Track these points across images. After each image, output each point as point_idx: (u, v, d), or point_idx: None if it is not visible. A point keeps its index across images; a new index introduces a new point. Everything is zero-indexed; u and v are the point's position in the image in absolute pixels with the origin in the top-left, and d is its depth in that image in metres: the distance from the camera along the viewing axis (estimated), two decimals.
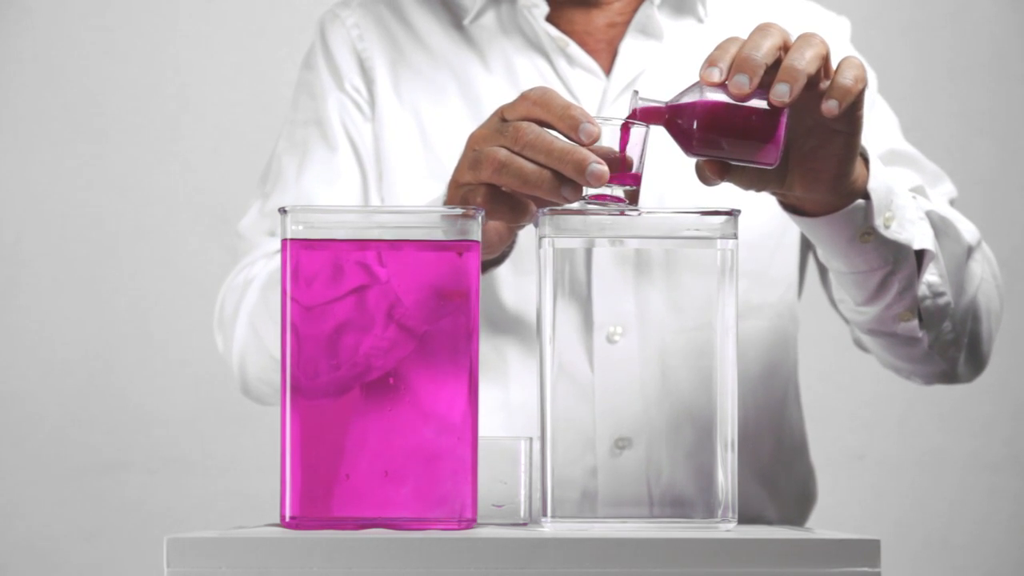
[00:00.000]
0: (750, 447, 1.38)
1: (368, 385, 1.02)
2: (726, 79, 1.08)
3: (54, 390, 2.45)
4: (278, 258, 1.39)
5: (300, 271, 1.03)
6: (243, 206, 1.52)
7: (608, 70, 1.43)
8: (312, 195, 1.43)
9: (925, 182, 1.46)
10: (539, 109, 1.09)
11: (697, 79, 1.10)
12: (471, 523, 1.01)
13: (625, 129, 1.07)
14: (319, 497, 1.01)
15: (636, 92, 1.11)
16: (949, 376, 1.42)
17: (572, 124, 1.07)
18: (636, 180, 1.08)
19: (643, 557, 0.95)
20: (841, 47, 1.50)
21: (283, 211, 1.03)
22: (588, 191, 1.07)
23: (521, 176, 1.08)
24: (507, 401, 1.38)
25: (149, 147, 2.47)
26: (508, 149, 1.08)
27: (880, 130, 1.48)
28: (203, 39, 2.49)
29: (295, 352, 1.02)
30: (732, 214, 1.05)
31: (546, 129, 1.08)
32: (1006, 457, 2.52)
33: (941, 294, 1.32)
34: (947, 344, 1.37)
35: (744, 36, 1.12)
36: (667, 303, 1.10)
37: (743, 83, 1.07)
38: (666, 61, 1.44)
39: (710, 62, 1.09)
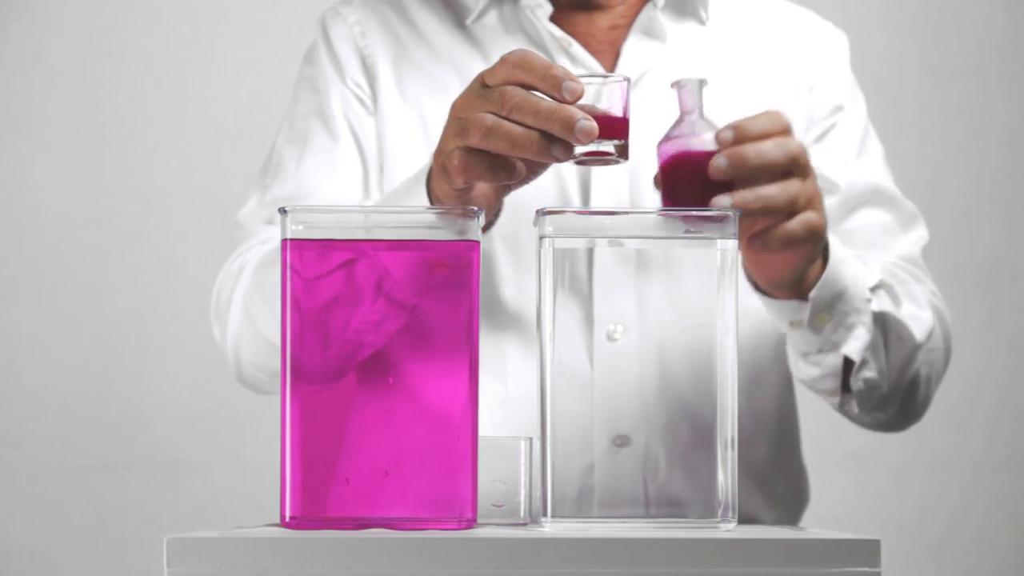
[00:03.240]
0: (744, 447, 1.39)
1: (368, 384, 1.02)
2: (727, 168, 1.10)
3: (54, 390, 2.45)
4: (272, 242, 1.39)
5: (301, 267, 1.03)
6: (243, 202, 1.52)
7: (611, 71, 1.44)
8: (312, 185, 1.43)
9: (899, 224, 1.48)
10: (521, 72, 1.09)
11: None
12: (471, 523, 1.01)
13: (608, 86, 1.08)
14: (319, 497, 1.01)
15: (704, 81, 1.13)
16: (874, 428, 1.46)
17: (555, 83, 1.08)
18: (624, 134, 1.09)
19: (643, 557, 0.95)
20: (838, 65, 1.51)
21: (283, 211, 1.03)
22: (578, 149, 1.08)
23: (510, 139, 1.08)
24: (506, 397, 1.38)
25: (149, 147, 2.47)
26: (494, 114, 1.09)
27: (868, 165, 1.49)
28: (204, 39, 2.49)
29: (296, 342, 1.02)
30: (732, 214, 1.05)
31: (530, 91, 1.09)
32: (1006, 457, 2.52)
33: (877, 387, 1.35)
34: (876, 410, 1.40)
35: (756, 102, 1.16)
36: (668, 302, 1.11)
37: (720, 166, 1.09)
38: (669, 62, 1.44)
39: (721, 154, 1.12)
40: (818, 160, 1.47)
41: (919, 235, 1.51)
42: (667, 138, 1.19)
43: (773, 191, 1.12)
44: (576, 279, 1.07)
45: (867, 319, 1.32)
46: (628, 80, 1.10)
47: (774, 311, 1.28)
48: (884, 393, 1.37)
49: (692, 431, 1.06)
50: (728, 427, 1.05)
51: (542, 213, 1.05)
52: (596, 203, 1.41)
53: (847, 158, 1.48)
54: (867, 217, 1.47)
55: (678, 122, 1.18)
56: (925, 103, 2.53)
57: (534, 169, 1.14)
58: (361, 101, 1.46)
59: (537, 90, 1.09)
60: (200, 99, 2.48)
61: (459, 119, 1.12)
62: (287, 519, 1.01)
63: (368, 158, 1.45)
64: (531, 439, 1.10)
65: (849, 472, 2.52)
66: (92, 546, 2.44)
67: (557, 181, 1.41)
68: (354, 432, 1.01)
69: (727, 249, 1.05)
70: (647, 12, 1.45)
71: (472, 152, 1.11)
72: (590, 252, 1.07)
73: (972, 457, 2.52)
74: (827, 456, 2.51)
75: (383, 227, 1.03)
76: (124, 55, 2.48)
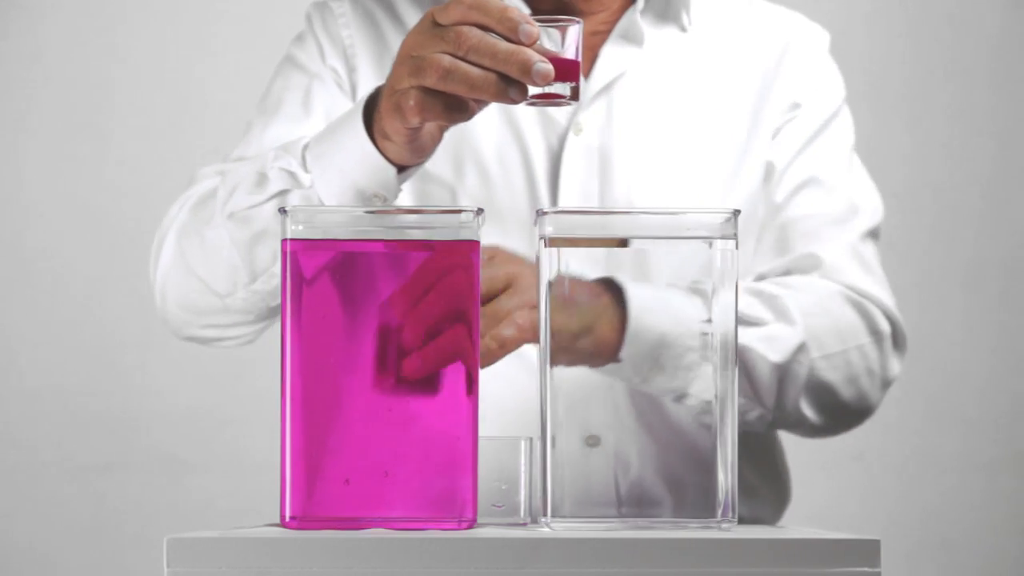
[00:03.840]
0: None
1: (368, 384, 1.02)
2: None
3: (54, 390, 2.45)
4: (212, 182, 1.39)
5: (301, 268, 1.03)
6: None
7: (588, 75, 1.45)
8: (273, 148, 1.43)
9: (835, 214, 1.47)
10: (476, 13, 1.10)
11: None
12: (471, 523, 1.01)
13: (562, 28, 1.09)
14: (319, 497, 1.01)
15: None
16: (819, 436, 1.45)
17: (511, 26, 1.09)
18: (577, 76, 1.10)
19: (643, 557, 0.95)
20: (806, 63, 1.52)
21: (283, 211, 1.03)
22: (532, 90, 1.09)
23: (468, 81, 1.09)
24: (498, 396, 1.38)
25: (148, 146, 2.47)
26: (450, 54, 1.09)
27: (814, 156, 1.49)
28: (203, 39, 2.49)
29: (295, 345, 1.02)
30: (732, 214, 1.05)
31: (488, 32, 1.09)
32: (1005, 457, 2.52)
33: (753, 409, 1.34)
34: (790, 427, 1.39)
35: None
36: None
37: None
38: (645, 66, 1.46)
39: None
40: (771, 153, 1.47)
41: (860, 222, 1.48)
42: None
43: (440, 340, 1.04)
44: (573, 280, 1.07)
45: (711, 353, 1.28)
46: (581, 22, 1.11)
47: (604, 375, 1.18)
48: (771, 411, 1.36)
49: (691, 431, 1.05)
50: (728, 428, 1.05)
51: (542, 213, 1.05)
52: (565, 199, 1.42)
53: (790, 151, 1.48)
54: (801, 208, 1.46)
55: None
56: (925, 103, 2.53)
57: (481, 106, 1.15)
58: (340, 88, 1.47)
59: (492, 31, 1.09)
60: (199, 99, 2.48)
61: (413, 58, 1.12)
62: (287, 519, 1.01)
63: None
64: (531, 439, 1.10)
65: (849, 472, 2.52)
66: (92, 546, 2.44)
67: (528, 182, 1.43)
68: (354, 432, 1.01)
69: (727, 248, 1.05)
70: (627, 16, 1.46)
71: (428, 92, 1.11)
72: (588, 253, 1.07)
73: (972, 457, 2.52)
74: (827, 456, 2.51)
75: (383, 226, 1.03)
76: (122, 55, 2.48)
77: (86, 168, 2.47)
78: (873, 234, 1.48)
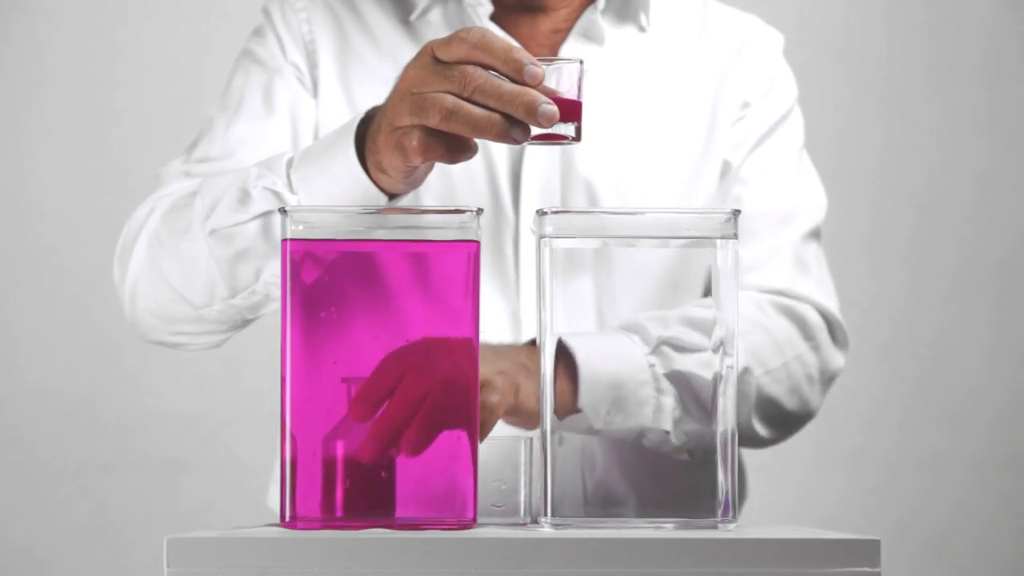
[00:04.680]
0: None
1: None
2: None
3: (54, 390, 2.45)
4: (185, 188, 1.38)
5: (301, 268, 1.03)
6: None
7: None
8: (237, 148, 1.42)
9: (774, 216, 1.47)
10: (480, 52, 1.08)
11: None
12: (471, 523, 1.01)
13: (563, 68, 1.09)
14: (319, 497, 1.01)
15: None
16: (775, 443, 1.45)
17: (517, 67, 1.07)
18: (579, 116, 1.10)
19: (643, 557, 0.96)
20: (770, 59, 1.52)
21: (283, 211, 1.03)
22: (535, 130, 1.08)
23: (471, 123, 1.07)
24: None
25: (149, 146, 2.47)
26: (453, 94, 1.08)
27: (763, 156, 1.50)
28: (203, 38, 2.49)
29: (296, 345, 1.02)
30: (732, 214, 1.05)
31: (490, 71, 1.08)
32: (1006, 457, 2.52)
33: (704, 435, 1.32)
34: (744, 444, 1.39)
35: None
36: (668, 304, 1.11)
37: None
38: (605, 65, 1.47)
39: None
40: (726, 152, 1.48)
41: (801, 222, 1.49)
42: None
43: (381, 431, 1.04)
44: (572, 280, 1.07)
45: (663, 384, 1.26)
46: (583, 63, 1.10)
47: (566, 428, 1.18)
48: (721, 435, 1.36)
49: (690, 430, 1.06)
50: (728, 427, 1.05)
51: (541, 213, 1.05)
52: (526, 198, 1.42)
53: (741, 151, 1.49)
54: (745, 208, 1.46)
55: None
56: (921, 103, 2.53)
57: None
58: (302, 83, 1.47)
59: (496, 71, 1.08)
60: (200, 98, 2.48)
61: (414, 95, 1.10)
62: (287, 519, 1.01)
63: (301, 138, 1.45)
64: (531, 439, 1.10)
65: (849, 472, 2.52)
66: (92, 546, 2.44)
67: (490, 180, 1.43)
68: (354, 432, 1.01)
69: (727, 248, 1.05)
70: (587, 15, 1.47)
71: (431, 133, 1.10)
72: (588, 253, 1.07)
73: (973, 457, 2.52)
74: (827, 456, 2.51)
75: (383, 227, 1.03)
76: (123, 55, 2.48)
77: (87, 169, 2.47)
78: (814, 234, 1.50)
